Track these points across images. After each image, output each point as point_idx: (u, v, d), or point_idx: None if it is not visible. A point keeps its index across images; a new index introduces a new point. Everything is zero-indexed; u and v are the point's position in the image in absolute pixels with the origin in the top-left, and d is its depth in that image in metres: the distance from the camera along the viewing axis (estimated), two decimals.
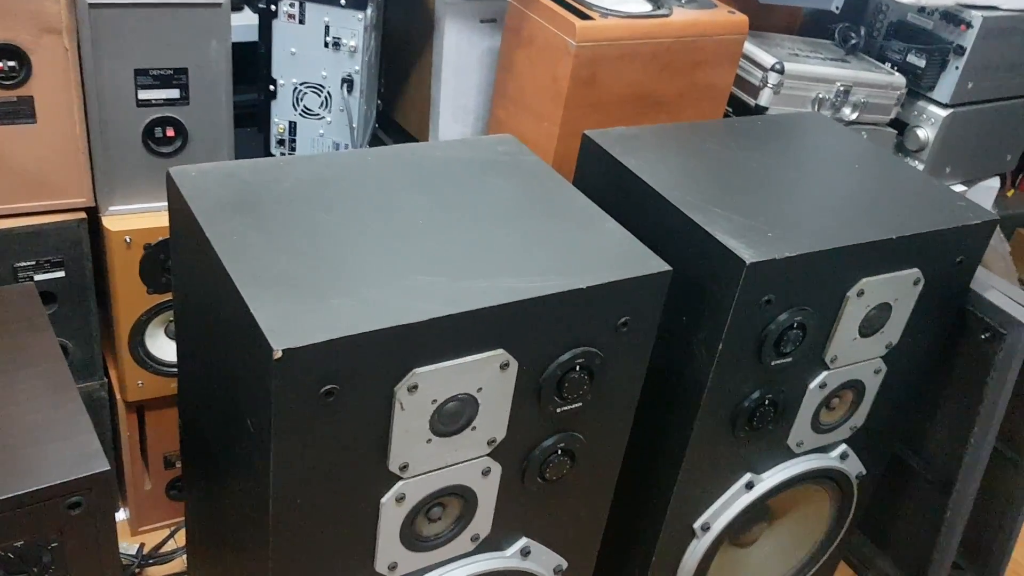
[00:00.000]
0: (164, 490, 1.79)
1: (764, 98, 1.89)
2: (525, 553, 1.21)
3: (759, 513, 1.50)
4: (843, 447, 1.47)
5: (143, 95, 1.42)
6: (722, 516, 1.39)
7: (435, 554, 1.13)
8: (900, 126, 2.25)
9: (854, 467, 1.50)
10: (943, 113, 2.21)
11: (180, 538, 1.77)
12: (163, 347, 1.61)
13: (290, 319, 0.90)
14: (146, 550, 1.75)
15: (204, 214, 1.04)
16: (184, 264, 1.15)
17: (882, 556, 1.94)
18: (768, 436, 1.36)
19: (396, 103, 1.90)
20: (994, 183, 2.53)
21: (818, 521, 1.57)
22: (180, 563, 1.73)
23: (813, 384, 1.34)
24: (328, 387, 0.91)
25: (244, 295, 0.92)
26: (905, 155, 2.28)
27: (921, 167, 2.26)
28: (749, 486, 1.38)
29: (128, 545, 1.74)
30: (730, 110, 1.89)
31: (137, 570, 1.73)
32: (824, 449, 1.46)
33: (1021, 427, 1.66)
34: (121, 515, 1.83)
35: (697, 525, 1.38)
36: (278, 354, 0.86)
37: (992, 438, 1.60)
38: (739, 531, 1.50)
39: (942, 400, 1.68)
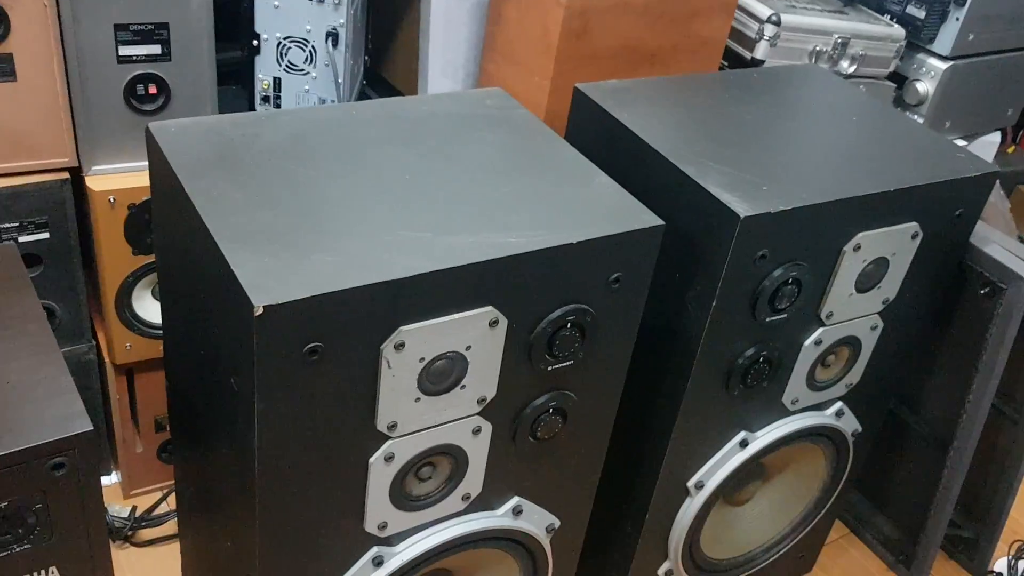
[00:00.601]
0: (156, 453, 1.78)
1: (760, 51, 1.85)
2: (517, 512, 1.20)
3: (753, 471, 1.49)
4: (839, 404, 1.46)
5: (124, 51, 1.38)
6: (716, 474, 1.37)
7: (425, 513, 1.12)
8: (899, 79, 2.22)
9: (850, 425, 1.49)
10: (943, 66, 2.18)
11: (172, 501, 1.76)
12: (150, 309, 1.59)
13: (271, 275, 0.88)
14: (138, 513, 1.74)
15: (184, 170, 1.01)
16: (165, 222, 1.12)
17: (879, 515, 1.93)
18: (763, 393, 1.35)
19: (384, 58, 1.86)
20: (995, 138, 2.50)
21: (813, 479, 1.56)
22: (172, 525, 1.73)
23: (808, 341, 1.32)
24: (312, 345, 0.89)
25: (224, 251, 0.90)
26: (904, 109, 2.25)
27: (920, 121, 2.23)
28: (743, 444, 1.37)
29: (121, 508, 1.74)
30: (725, 63, 1.86)
31: (130, 533, 1.72)
32: (820, 406, 1.45)
33: (1020, 384, 1.65)
34: (113, 478, 1.82)
35: (691, 483, 1.37)
36: (259, 311, 0.84)
37: (991, 395, 1.59)
38: (733, 489, 1.49)
39: (940, 357, 1.66)
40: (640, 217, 1.09)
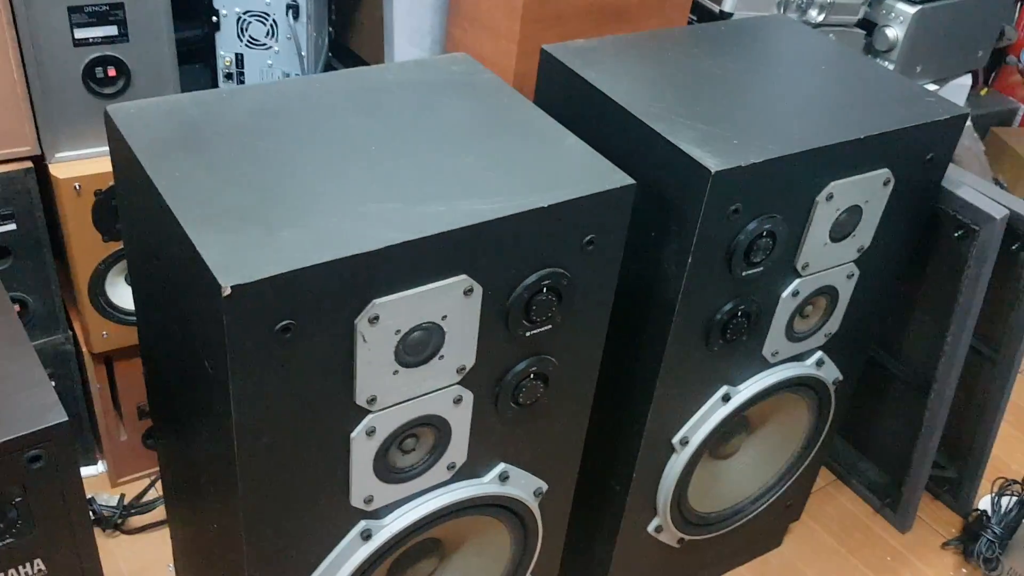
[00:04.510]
0: (140, 440, 1.77)
1: (728, 3, 1.84)
2: (503, 478, 1.20)
3: (737, 424, 1.50)
4: (819, 354, 1.46)
5: (79, 34, 1.36)
6: (700, 430, 1.38)
7: (412, 485, 1.12)
8: (868, 26, 2.21)
9: (830, 373, 1.49)
10: (911, 10, 2.17)
11: (160, 487, 1.75)
12: (124, 296, 1.57)
13: (239, 254, 0.87)
14: (127, 501, 1.73)
15: (144, 151, 0.99)
16: (130, 206, 1.11)
17: (863, 460, 1.95)
18: (743, 347, 1.35)
19: (349, 29, 1.83)
20: (966, 80, 2.50)
21: (797, 429, 1.57)
22: (162, 512, 1.72)
23: (785, 292, 1.32)
24: (284, 323, 0.88)
25: (189, 232, 0.88)
26: (875, 56, 2.24)
27: (891, 67, 2.22)
28: (726, 398, 1.38)
29: (109, 497, 1.73)
30: (693, 17, 1.84)
31: (119, 521, 1.72)
32: (800, 357, 1.45)
33: (996, 324, 1.66)
34: (99, 467, 1.81)
35: (676, 440, 1.38)
36: (227, 291, 0.83)
37: (968, 337, 1.60)
38: (718, 443, 1.50)
39: (917, 301, 1.67)
40: (611, 177, 1.08)
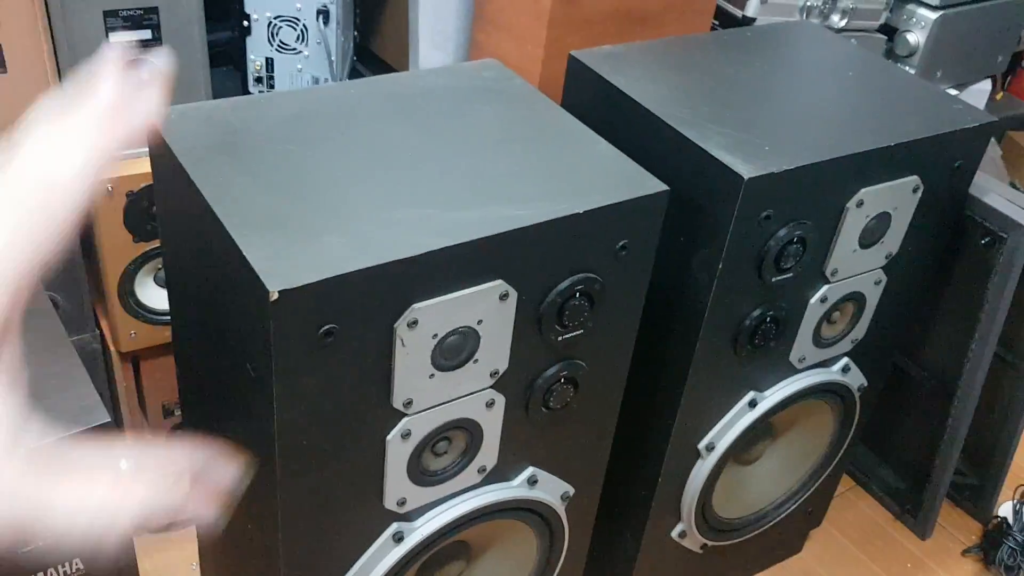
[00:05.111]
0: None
1: (751, 8, 1.84)
2: (532, 482, 1.21)
3: (763, 430, 1.50)
4: (845, 360, 1.47)
5: (114, 38, 1.37)
6: (726, 435, 1.38)
7: (443, 488, 1.12)
8: (890, 31, 2.21)
9: (856, 380, 1.50)
10: (933, 16, 2.17)
11: None
12: (153, 296, 1.59)
13: (284, 260, 0.87)
14: None
15: (187, 157, 1.00)
16: (170, 210, 1.12)
17: (884, 466, 1.96)
18: (770, 353, 1.35)
19: (373, 33, 1.84)
20: (986, 86, 2.50)
21: (821, 435, 1.58)
22: None
23: (814, 299, 1.33)
24: (327, 327, 0.89)
25: (235, 237, 0.89)
26: (895, 61, 2.24)
27: (912, 72, 2.23)
28: (752, 404, 1.38)
29: None
30: (716, 23, 1.85)
31: None
32: (826, 363, 1.45)
33: (1022, 332, 1.66)
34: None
35: (702, 445, 1.38)
36: (274, 296, 0.84)
37: (993, 344, 1.60)
38: (743, 449, 1.50)
39: (942, 308, 1.68)
40: (644, 183, 1.08)
